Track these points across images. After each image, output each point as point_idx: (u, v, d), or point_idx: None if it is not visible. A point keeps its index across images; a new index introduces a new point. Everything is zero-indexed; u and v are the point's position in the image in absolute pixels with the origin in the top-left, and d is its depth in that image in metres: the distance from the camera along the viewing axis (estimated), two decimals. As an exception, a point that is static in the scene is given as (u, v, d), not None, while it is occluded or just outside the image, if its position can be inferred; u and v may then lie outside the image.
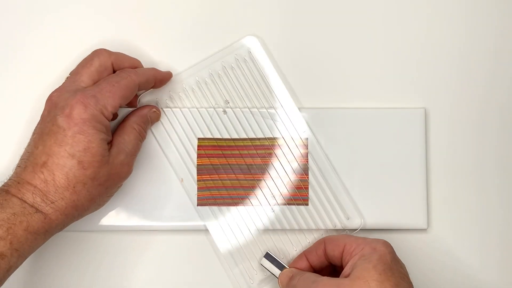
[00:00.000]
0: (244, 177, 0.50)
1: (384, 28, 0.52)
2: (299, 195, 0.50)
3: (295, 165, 0.50)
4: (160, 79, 0.49)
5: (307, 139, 0.50)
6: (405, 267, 0.43)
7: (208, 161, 0.51)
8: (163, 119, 0.51)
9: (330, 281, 0.42)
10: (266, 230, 0.50)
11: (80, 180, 0.43)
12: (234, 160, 0.50)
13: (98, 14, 0.52)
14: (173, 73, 0.51)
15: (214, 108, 0.51)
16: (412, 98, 0.52)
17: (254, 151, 0.51)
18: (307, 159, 0.50)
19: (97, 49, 0.47)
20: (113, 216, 0.50)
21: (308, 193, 0.50)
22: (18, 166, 0.44)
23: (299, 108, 0.51)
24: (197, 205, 0.50)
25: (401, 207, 0.50)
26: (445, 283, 0.51)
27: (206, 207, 0.50)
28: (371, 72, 0.52)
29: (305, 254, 0.47)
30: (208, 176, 0.50)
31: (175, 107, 0.51)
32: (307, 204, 0.50)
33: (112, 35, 0.52)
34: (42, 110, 0.45)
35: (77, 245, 0.51)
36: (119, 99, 0.45)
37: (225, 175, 0.50)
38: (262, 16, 0.52)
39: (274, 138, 0.51)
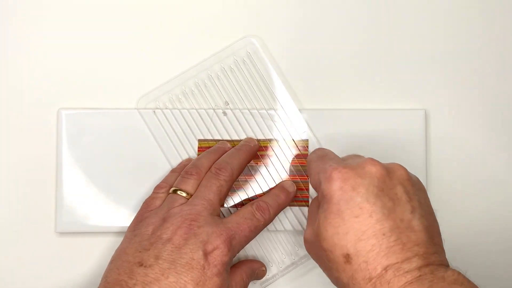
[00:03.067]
0: (245, 177, 0.50)
1: (384, 29, 0.52)
2: (300, 195, 0.50)
3: (296, 166, 0.50)
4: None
5: (307, 140, 0.51)
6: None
7: (209, 162, 0.51)
8: (163, 120, 0.51)
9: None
10: (267, 231, 0.50)
11: None
12: (234, 162, 0.51)
13: (96, 16, 0.52)
14: (171, 75, 0.51)
15: (214, 110, 0.51)
16: (413, 99, 0.52)
17: (255, 152, 0.51)
18: (308, 160, 0.51)
19: (222, 167, 0.47)
20: (114, 218, 0.50)
21: (308, 193, 0.50)
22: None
23: (299, 109, 0.51)
24: (198, 207, 0.50)
25: (401, 207, 0.50)
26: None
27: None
28: (371, 73, 0.52)
29: None
30: (209, 177, 0.51)
31: (175, 109, 0.51)
32: (308, 205, 0.50)
33: (110, 37, 0.52)
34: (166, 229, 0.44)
35: (77, 246, 0.51)
36: (247, 241, 0.45)
37: (226, 177, 0.50)
38: (261, 16, 0.52)
39: (275, 139, 0.51)
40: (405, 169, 0.41)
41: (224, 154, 0.49)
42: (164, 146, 0.51)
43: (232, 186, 0.48)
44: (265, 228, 0.50)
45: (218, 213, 0.46)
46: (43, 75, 0.52)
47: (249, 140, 0.50)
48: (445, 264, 0.39)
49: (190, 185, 0.46)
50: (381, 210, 0.38)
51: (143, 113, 0.51)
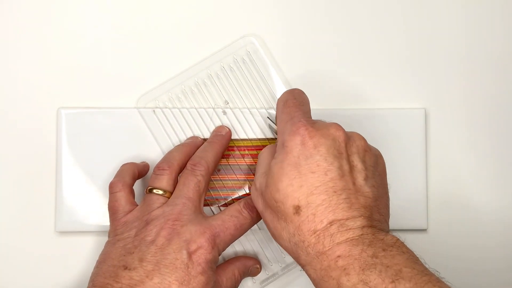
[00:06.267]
0: (245, 177, 0.50)
1: (384, 29, 0.52)
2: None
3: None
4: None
5: (307, 139, 0.51)
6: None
7: (209, 161, 0.51)
8: (163, 120, 0.51)
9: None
10: (267, 230, 0.50)
11: None
12: (234, 161, 0.51)
13: (96, 15, 0.52)
14: (171, 74, 0.51)
15: (214, 109, 0.51)
16: (412, 98, 0.52)
17: (255, 152, 0.51)
18: (307, 159, 0.51)
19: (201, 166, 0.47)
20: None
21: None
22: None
23: (299, 109, 0.51)
24: (198, 206, 0.50)
25: (401, 207, 0.50)
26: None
27: (207, 208, 0.50)
28: (371, 73, 0.52)
29: None
30: (209, 176, 0.51)
31: (175, 108, 0.51)
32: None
33: (110, 36, 0.52)
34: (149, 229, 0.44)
35: (77, 246, 0.51)
36: (233, 239, 0.45)
37: (226, 176, 0.50)
38: (261, 15, 0.52)
39: (274, 139, 0.51)
40: (365, 140, 0.43)
41: (196, 148, 0.49)
42: (164, 145, 0.51)
43: (210, 180, 0.48)
44: (266, 227, 0.50)
45: (200, 210, 0.46)
46: (43, 74, 0.51)
47: (219, 129, 0.50)
48: (386, 231, 0.41)
49: (164, 182, 0.46)
50: (337, 170, 0.40)
51: (142, 112, 0.51)
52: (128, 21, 0.52)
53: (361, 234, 0.38)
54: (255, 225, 0.49)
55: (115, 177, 0.47)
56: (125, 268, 0.42)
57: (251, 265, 0.49)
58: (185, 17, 0.52)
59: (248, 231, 0.50)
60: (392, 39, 0.52)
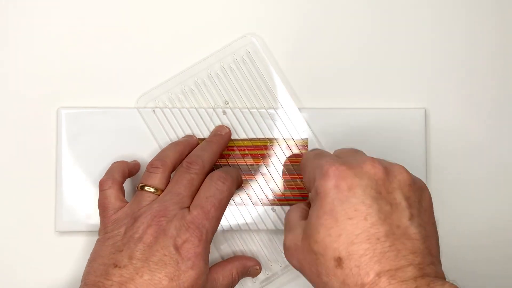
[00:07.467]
0: (245, 177, 0.50)
1: (384, 28, 0.52)
2: (299, 195, 0.50)
3: (296, 164, 0.51)
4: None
5: (307, 139, 0.51)
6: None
7: (208, 161, 0.51)
8: (163, 120, 0.51)
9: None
10: (267, 230, 0.51)
11: None
12: (234, 161, 0.51)
13: (96, 15, 0.52)
14: (171, 74, 0.51)
15: (214, 109, 0.51)
16: (412, 98, 0.52)
17: (255, 152, 0.51)
18: (307, 159, 0.51)
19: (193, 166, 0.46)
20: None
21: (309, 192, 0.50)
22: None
23: (299, 108, 0.51)
24: (198, 206, 0.50)
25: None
26: (446, 282, 0.51)
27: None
28: (371, 72, 0.52)
29: None
30: (209, 176, 0.51)
31: (174, 108, 0.51)
32: (307, 204, 0.50)
33: (110, 36, 0.52)
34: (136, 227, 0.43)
35: (77, 246, 0.51)
36: (218, 220, 0.45)
37: (226, 176, 0.50)
38: (261, 15, 0.52)
39: (274, 139, 0.51)
40: (408, 173, 0.39)
41: (190, 147, 0.49)
42: (164, 145, 0.51)
43: (204, 179, 0.47)
44: (266, 227, 0.50)
45: (188, 206, 0.45)
46: (43, 74, 0.51)
47: (219, 129, 0.50)
48: (441, 277, 0.37)
49: (157, 179, 0.46)
50: (377, 214, 0.36)
51: (142, 112, 0.51)
52: (128, 21, 0.52)
53: (415, 287, 0.35)
54: (255, 225, 0.50)
55: (104, 175, 0.47)
56: (115, 266, 0.42)
57: (251, 266, 0.49)
58: (185, 17, 0.52)
59: (248, 231, 0.50)
60: (392, 39, 0.52)
